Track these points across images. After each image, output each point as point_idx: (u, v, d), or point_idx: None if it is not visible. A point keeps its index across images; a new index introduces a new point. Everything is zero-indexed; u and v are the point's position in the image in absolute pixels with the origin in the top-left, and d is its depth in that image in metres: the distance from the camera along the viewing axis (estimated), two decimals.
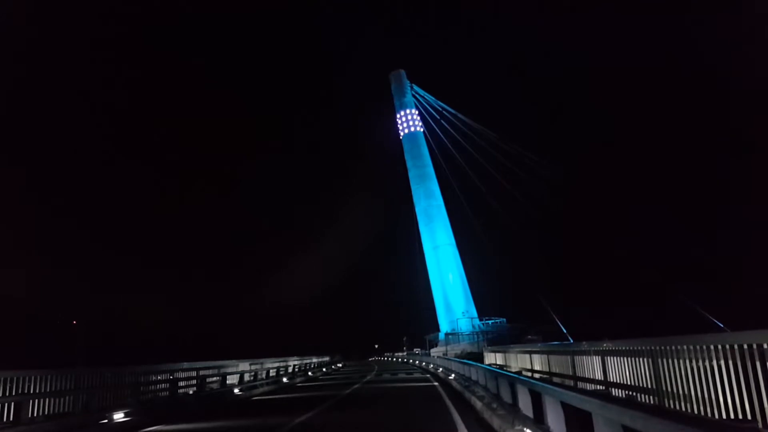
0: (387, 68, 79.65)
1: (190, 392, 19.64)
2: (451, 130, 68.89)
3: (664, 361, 7.53)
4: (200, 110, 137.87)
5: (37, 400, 12.24)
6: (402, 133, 76.34)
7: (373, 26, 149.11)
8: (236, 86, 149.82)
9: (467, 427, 11.06)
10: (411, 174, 74.07)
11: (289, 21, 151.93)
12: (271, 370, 29.47)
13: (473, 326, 59.98)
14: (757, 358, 5.62)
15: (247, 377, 25.30)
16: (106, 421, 13.58)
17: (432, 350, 58.62)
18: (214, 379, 21.99)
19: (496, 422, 10.42)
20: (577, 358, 11.85)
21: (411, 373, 36.05)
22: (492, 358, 24.91)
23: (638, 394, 8.35)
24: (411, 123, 75.62)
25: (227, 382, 22.67)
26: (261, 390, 24.72)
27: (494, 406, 11.64)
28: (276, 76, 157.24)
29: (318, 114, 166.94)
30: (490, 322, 59.96)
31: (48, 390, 12.53)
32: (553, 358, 14.24)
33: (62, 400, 13.06)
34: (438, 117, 71.48)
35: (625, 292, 52.66)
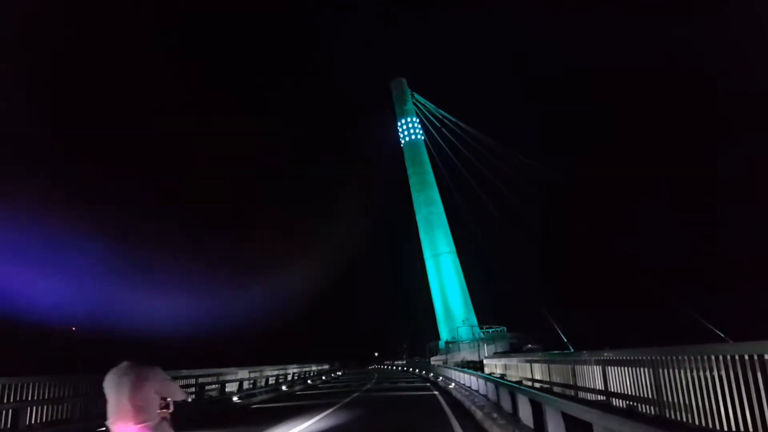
0: (388, 70, 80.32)
1: (189, 399, 19.53)
2: (452, 138, 69.25)
3: (665, 371, 7.51)
4: (199, 111, 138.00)
5: (35, 407, 12.17)
6: (403, 141, 76.60)
7: (372, 25, 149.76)
8: (236, 86, 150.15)
9: None
10: (412, 181, 74.25)
11: (289, 21, 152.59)
12: (270, 378, 29.36)
13: (473, 334, 59.81)
14: (758, 368, 5.60)
15: (246, 385, 25.21)
16: (104, 428, 13.52)
17: (432, 358, 58.43)
18: (213, 386, 21.90)
19: None
20: (577, 367, 11.82)
21: (411, 382, 35.92)
22: (492, 367, 24.84)
23: (639, 404, 8.32)
24: (412, 130, 75.91)
25: (226, 389, 22.58)
26: (260, 398, 24.62)
27: (495, 415, 11.59)
28: (276, 77, 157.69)
29: (318, 116, 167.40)
30: (490, 330, 59.80)
31: (46, 396, 12.47)
32: (553, 367, 14.20)
33: (60, 406, 13.00)
34: (438, 125, 71.86)
35: (625, 296, 52.69)
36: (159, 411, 5.36)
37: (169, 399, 5.48)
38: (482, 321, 63.42)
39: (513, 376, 19.28)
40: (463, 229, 67.56)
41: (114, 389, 5.26)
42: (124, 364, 5.36)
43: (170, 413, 5.47)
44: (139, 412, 5.19)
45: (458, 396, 19.23)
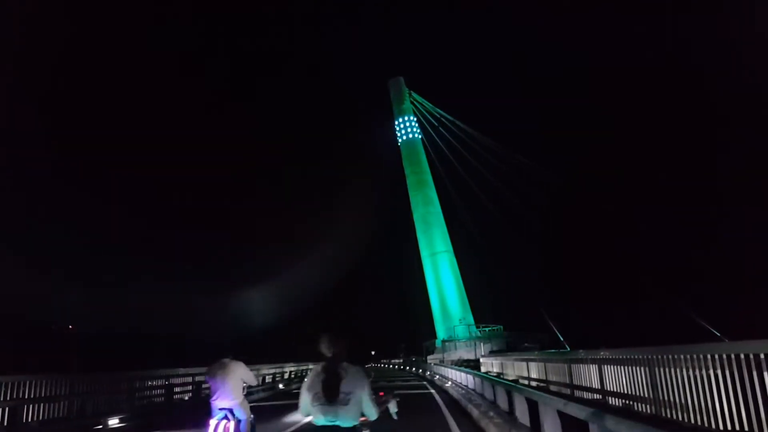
0: (386, 68, 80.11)
1: (186, 398, 19.54)
2: (450, 137, 69.26)
3: (661, 370, 7.54)
4: (199, 112, 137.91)
5: (32, 405, 12.17)
6: (400, 140, 76.58)
7: (371, 25, 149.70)
8: (235, 86, 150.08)
9: None
10: (409, 181, 74.23)
11: (289, 21, 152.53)
12: (266, 376, 29.33)
13: (470, 333, 59.86)
14: (754, 368, 5.63)
15: None
16: (100, 426, 13.52)
17: (429, 357, 58.46)
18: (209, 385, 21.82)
19: (492, 431, 10.40)
20: (574, 366, 11.86)
21: (407, 380, 35.94)
22: (489, 366, 24.89)
23: (635, 403, 8.36)
24: (409, 130, 75.89)
25: None
26: (256, 396, 24.57)
27: (491, 414, 11.61)
28: (274, 76, 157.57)
29: (316, 116, 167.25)
30: (487, 329, 59.85)
31: (43, 395, 12.47)
32: (550, 366, 14.24)
33: (57, 405, 12.99)
34: (436, 124, 71.85)
35: (624, 296, 52.85)
36: (243, 392, 7.47)
37: (245, 384, 7.60)
38: (479, 320, 63.47)
39: (510, 374, 19.33)
40: (461, 228, 67.68)
41: (218, 377, 7.35)
42: (224, 359, 7.41)
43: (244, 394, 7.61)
44: (233, 393, 7.34)
45: (455, 394, 19.25)
